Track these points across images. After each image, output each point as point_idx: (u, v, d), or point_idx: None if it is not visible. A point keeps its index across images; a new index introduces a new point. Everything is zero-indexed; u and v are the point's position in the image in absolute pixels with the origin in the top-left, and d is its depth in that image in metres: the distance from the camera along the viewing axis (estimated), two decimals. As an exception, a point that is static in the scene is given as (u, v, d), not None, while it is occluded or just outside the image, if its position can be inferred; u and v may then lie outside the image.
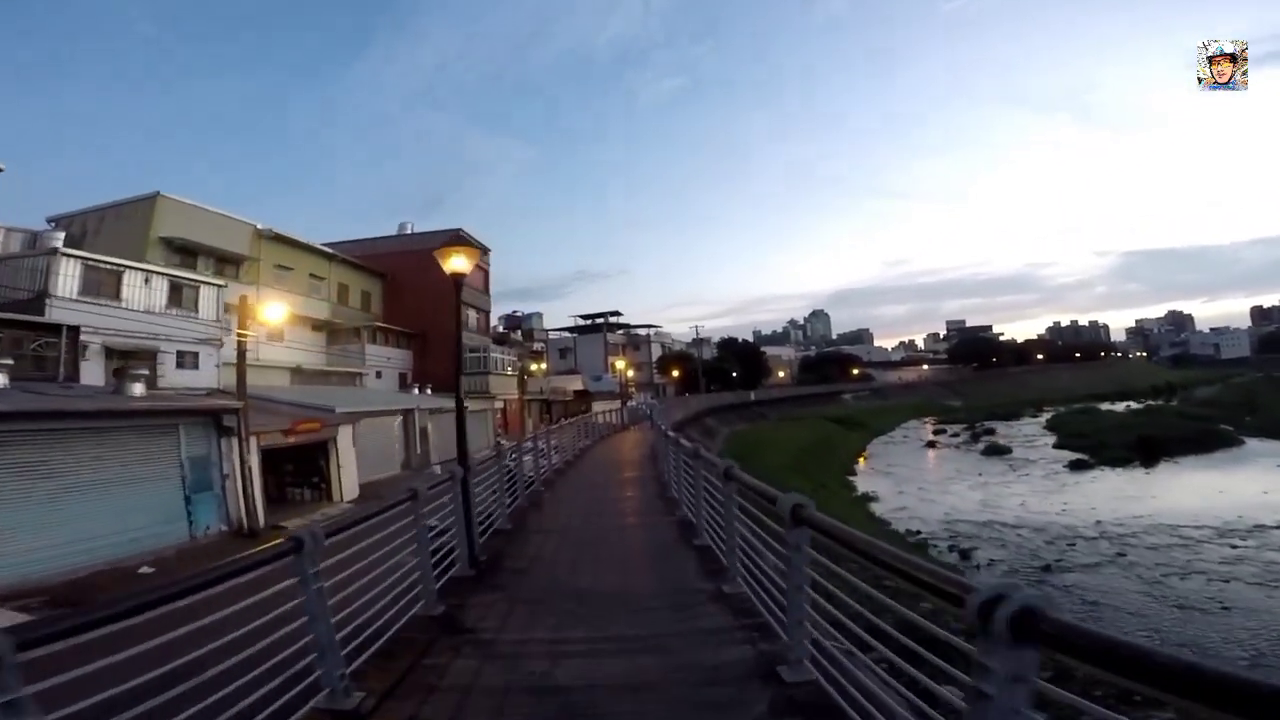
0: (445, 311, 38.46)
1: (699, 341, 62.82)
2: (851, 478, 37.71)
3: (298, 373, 28.03)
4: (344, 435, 18.62)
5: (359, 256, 38.57)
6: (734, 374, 63.73)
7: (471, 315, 40.00)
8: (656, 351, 68.14)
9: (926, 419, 75.99)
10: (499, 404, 36.77)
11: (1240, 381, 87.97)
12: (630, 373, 57.53)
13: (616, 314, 69.89)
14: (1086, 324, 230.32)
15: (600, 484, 12.49)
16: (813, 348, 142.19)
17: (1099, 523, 23.20)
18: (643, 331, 69.78)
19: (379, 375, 33.32)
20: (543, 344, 68.56)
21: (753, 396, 60.64)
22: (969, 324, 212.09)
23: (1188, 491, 27.57)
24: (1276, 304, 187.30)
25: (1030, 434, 55.06)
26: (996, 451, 44.69)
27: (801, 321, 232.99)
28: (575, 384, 53.10)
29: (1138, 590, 16.46)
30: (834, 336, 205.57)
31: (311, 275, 33.88)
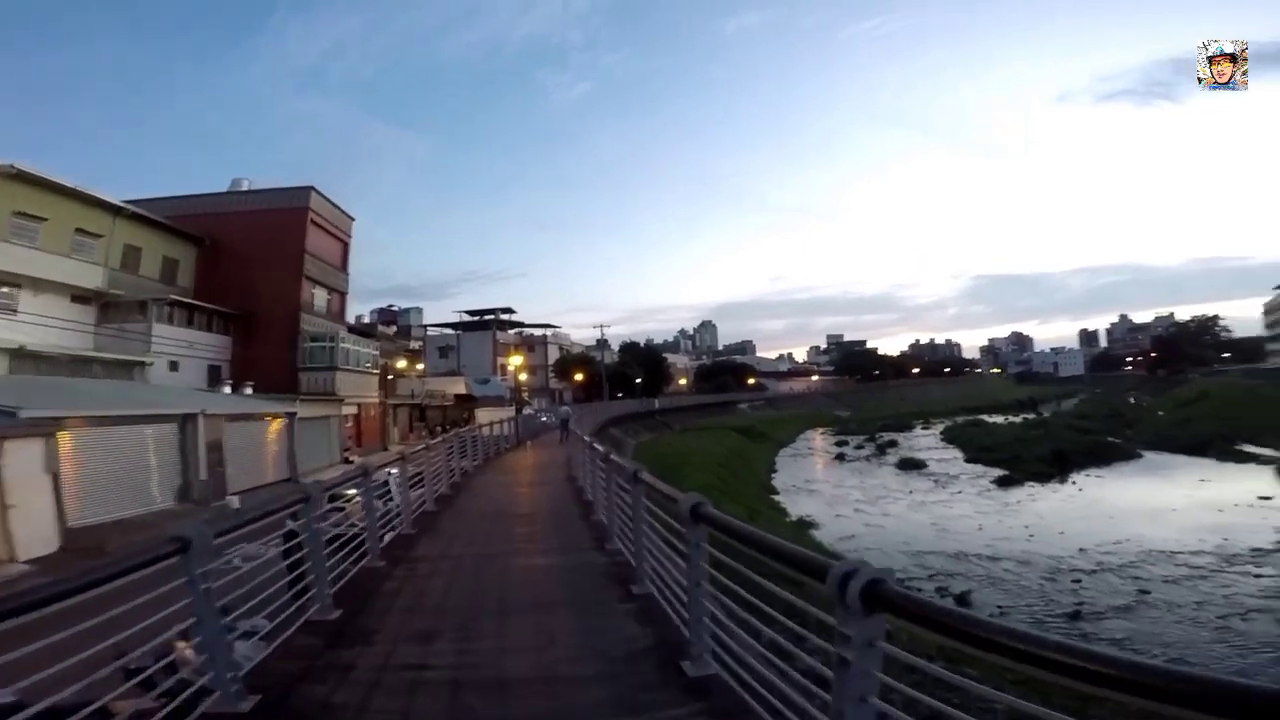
0: (284, 288, 30.02)
1: (602, 344, 56.93)
2: (776, 497, 33.43)
3: (23, 356, 18.87)
4: (20, 453, 10.70)
5: (170, 215, 29.25)
6: (638, 380, 58.41)
7: (320, 295, 31.53)
8: (554, 354, 61.41)
9: (821, 429, 75.35)
10: (351, 408, 28.63)
11: (1093, 398, 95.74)
12: (523, 375, 50.62)
13: (509, 311, 62.41)
14: (942, 342, 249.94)
15: (469, 618, 4.84)
16: (703, 357, 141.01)
17: (1082, 550, 20.15)
18: (539, 331, 62.74)
19: (174, 366, 24.36)
20: (421, 341, 59.71)
21: (657, 404, 55.65)
22: (843, 340, 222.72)
23: (1139, 509, 25.57)
24: (1100, 327, 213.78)
25: (930, 446, 54.39)
26: (912, 466, 42.51)
27: (691, 331, 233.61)
28: (457, 387, 45.28)
29: (1210, 639, 13.14)
30: (720, 347, 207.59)
31: (79, 230, 24.47)
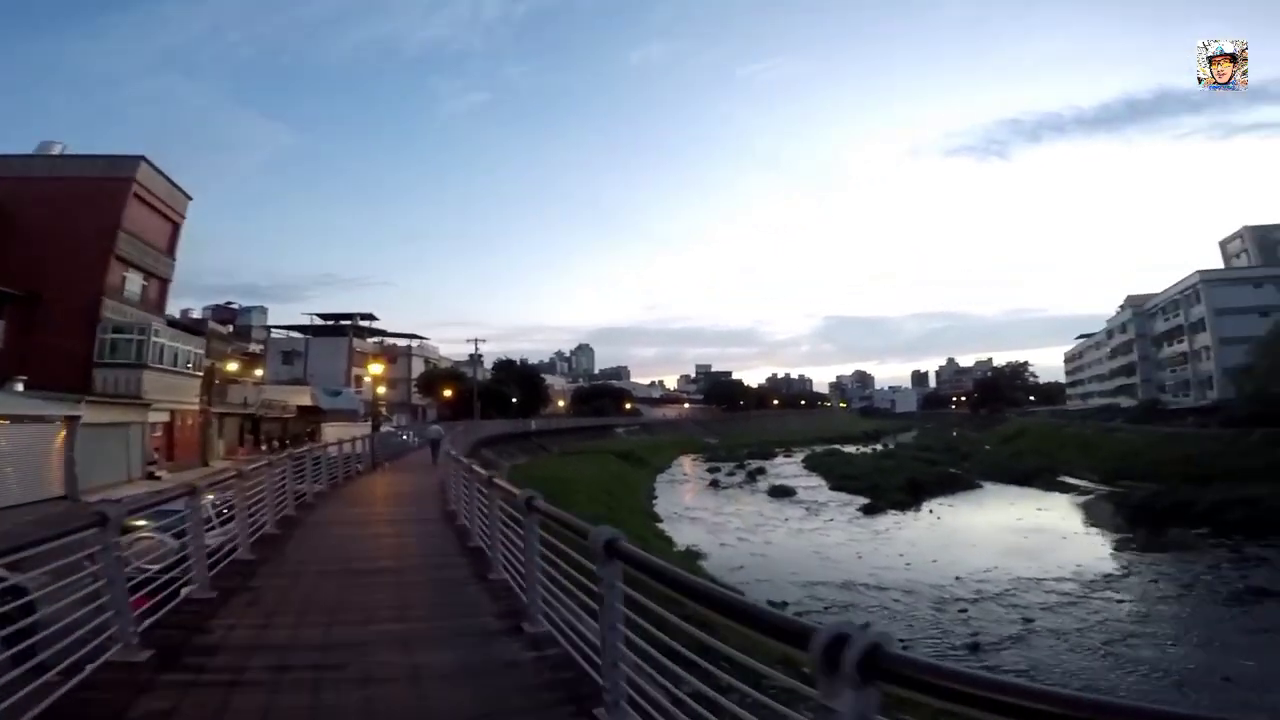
0: (86, 268, 24.49)
1: (476, 359, 53.22)
2: (660, 525, 32.23)
3: None
4: None
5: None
6: (513, 399, 55.22)
7: (135, 279, 26.00)
8: (419, 367, 56.56)
9: (692, 455, 76.50)
10: (163, 415, 23.47)
11: (925, 432, 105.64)
12: (382, 388, 45.84)
13: (370, 317, 56.78)
14: (796, 376, 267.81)
15: None
16: (580, 380, 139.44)
17: (959, 579, 20.78)
18: (403, 342, 57.58)
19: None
20: (263, 344, 52.53)
21: (534, 425, 52.87)
22: (711, 370, 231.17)
23: (995, 537, 27.30)
24: (931, 369, 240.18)
25: (795, 473, 56.25)
26: (783, 493, 43.38)
27: (568, 354, 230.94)
28: (301, 398, 39.81)
29: (1107, 668, 13.44)
30: (596, 371, 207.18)
31: None
